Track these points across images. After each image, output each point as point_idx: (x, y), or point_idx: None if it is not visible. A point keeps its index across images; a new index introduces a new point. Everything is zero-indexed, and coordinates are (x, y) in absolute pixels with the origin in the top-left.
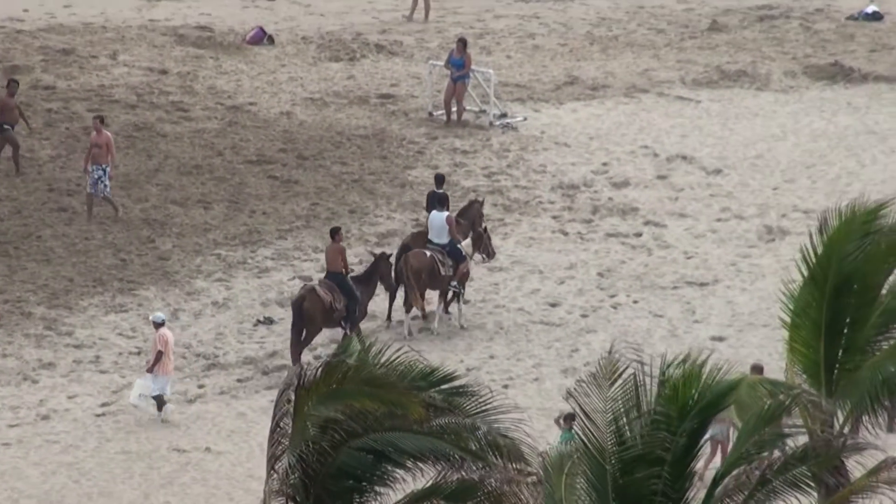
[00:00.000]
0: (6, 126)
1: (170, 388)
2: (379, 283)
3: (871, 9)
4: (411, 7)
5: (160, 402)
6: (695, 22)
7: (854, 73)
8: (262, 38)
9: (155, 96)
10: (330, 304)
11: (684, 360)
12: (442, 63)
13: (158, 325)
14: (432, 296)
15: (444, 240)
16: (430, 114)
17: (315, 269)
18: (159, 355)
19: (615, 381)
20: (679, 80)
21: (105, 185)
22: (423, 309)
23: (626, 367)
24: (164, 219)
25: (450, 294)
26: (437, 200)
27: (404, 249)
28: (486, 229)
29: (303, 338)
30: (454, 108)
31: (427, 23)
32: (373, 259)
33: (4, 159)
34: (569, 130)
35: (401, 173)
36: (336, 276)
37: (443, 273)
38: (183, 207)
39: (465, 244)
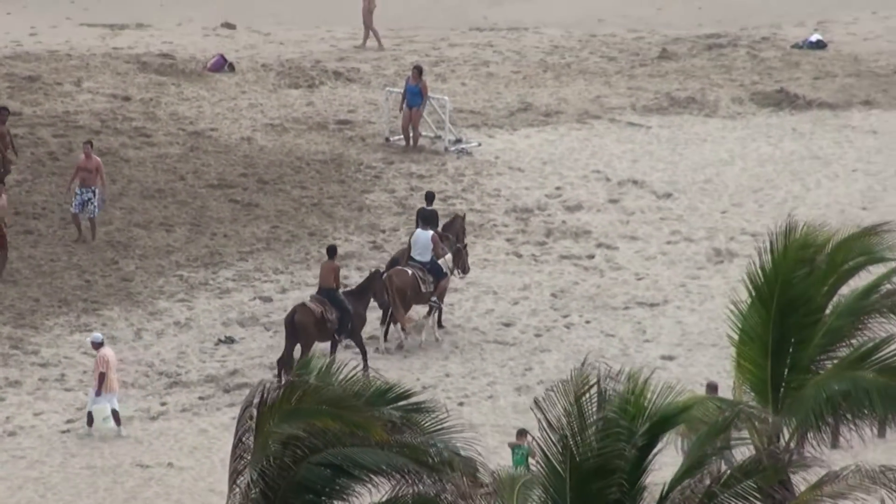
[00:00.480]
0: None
1: (117, 402)
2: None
3: (815, 37)
4: (363, 36)
5: (116, 416)
6: (645, 50)
7: (799, 99)
8: (222, 65)
9: (118, 122)
10: (321, 314)
11: (630, 377)
12: (399, 90)
13: (98, 345)
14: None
15: (427, 258)
16: (387, 139)
17: (275, 290)
18: (101, 377)
19: (584, 393)
20: (630, 107)
21: (94, 207)
22: (405, 324)
23: (595, 382)
24: (127, 241)
25: (429, 308)
26: (423, 217)
27: (393, 264)
28: (465, 246)
29: (300, 352)
30: (411, 134)
31: (383, 50)
32: (368, 275)
33: None
34: (523, 155)
35: (358, 197)
36: (327, 291)
37: (423, 290)
38: (146, 230)
39: (447, 259)
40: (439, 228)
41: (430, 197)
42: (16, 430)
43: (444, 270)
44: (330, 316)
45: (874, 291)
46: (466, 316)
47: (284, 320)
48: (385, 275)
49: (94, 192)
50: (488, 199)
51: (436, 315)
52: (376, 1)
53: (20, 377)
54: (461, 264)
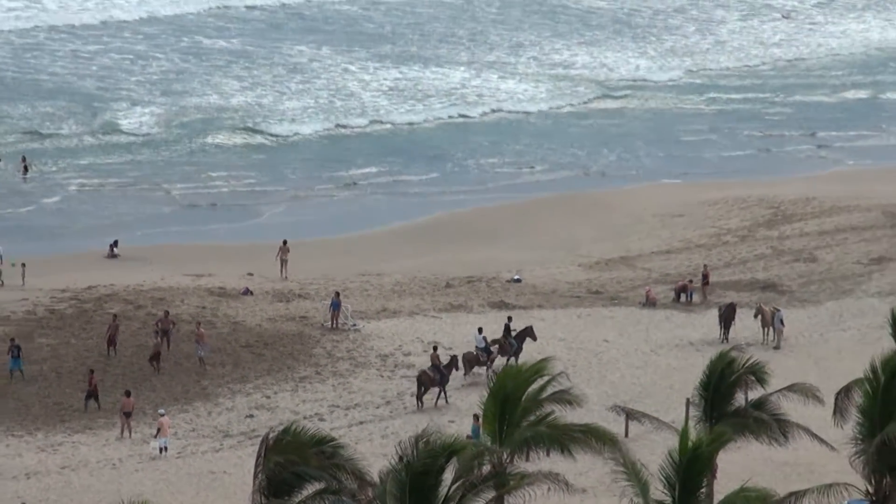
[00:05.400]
0: (167, 329)
1: (168, 441)
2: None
3: (516, 276)
4: (283, 272)
5: (165, 448)
6: (440, 283)
7: (509, 304)
8: (247, 292)
9: (199, 318)
10: (477, 356)
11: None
12: (328, 302)
13: (161, 415)
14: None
15: (482, 345)
16: (322, 324)
17: (272, 392)
18: (158, 431)
19: (418, 443)
20: (432, 308)
21: (205, 352)
22: (467, 373)
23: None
24: (205, 371)
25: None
26: (506, 326)
27: (469, 356)
28: (531, 328)
29: (465, 373)
30: (333, 322)
31: (288, 281)
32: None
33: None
34: (384, 331)
35: (309, 351)
36: (473, 354)
37: (481, 360)
38: (212, 366)
39: (494, 347)
40: (514, 332)
41: (510, 318)
42: (164, 453)
43: (491, 351)
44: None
45: (542, 391)
46: (361, 403)
47: (463, 357)
48: (463, 356)
49: (202, 346)
50: (367, 351)
51: (489, 371)
52: (289, 254)
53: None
54: (506, 349)
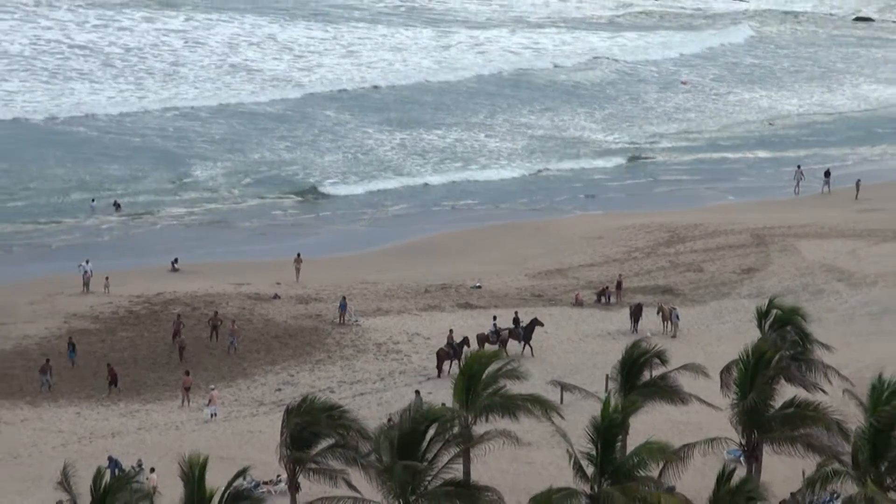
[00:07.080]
0: (216, 325)
1: (217, 409)
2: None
3: (477, 284)
4: (296, 274)
5: (215, 415)
6: (421, 288)
7: (473, 304)
8: (276, 297)
9: (238, 317)
10: (488, 337)
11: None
12: (337, 304)
13: (212, 389)
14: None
15: (493, 330)
16: (332, 321)
17: (295, 372)
18: (210, 401)
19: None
20: (414, 308)
21: (235, 343)
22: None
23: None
24: (245, 356)
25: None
26: (514, 319)
27: (481, 336)
28: (537, 318)
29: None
30: (342, 319)
31: (303, 286)
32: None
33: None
34: (380, 326)
35: (322, 341)
36: (485, 334)
37: (491, 340)
38: (249, 353)
39: (504, 333)
40: (524, 322)
41: (517, 313)
42: (209, 420)
43: (500, 334)
44: (492, 339)
45: (495, 374)
46: (362, 379)
47: (477, 337)
48: (477, 336)
49: (234, 337)
50: (367, 341)
51: (504, 349)
52: (301, 264)
53: (213, 398)
54: (516, 336)
